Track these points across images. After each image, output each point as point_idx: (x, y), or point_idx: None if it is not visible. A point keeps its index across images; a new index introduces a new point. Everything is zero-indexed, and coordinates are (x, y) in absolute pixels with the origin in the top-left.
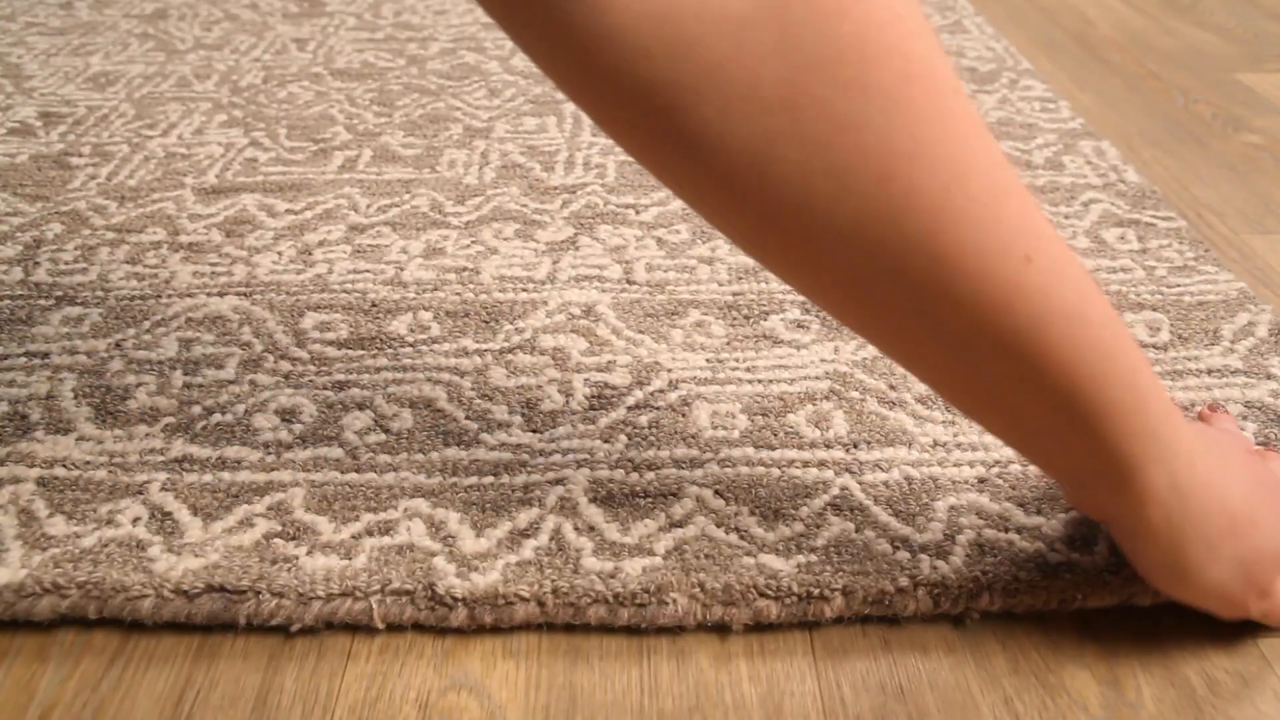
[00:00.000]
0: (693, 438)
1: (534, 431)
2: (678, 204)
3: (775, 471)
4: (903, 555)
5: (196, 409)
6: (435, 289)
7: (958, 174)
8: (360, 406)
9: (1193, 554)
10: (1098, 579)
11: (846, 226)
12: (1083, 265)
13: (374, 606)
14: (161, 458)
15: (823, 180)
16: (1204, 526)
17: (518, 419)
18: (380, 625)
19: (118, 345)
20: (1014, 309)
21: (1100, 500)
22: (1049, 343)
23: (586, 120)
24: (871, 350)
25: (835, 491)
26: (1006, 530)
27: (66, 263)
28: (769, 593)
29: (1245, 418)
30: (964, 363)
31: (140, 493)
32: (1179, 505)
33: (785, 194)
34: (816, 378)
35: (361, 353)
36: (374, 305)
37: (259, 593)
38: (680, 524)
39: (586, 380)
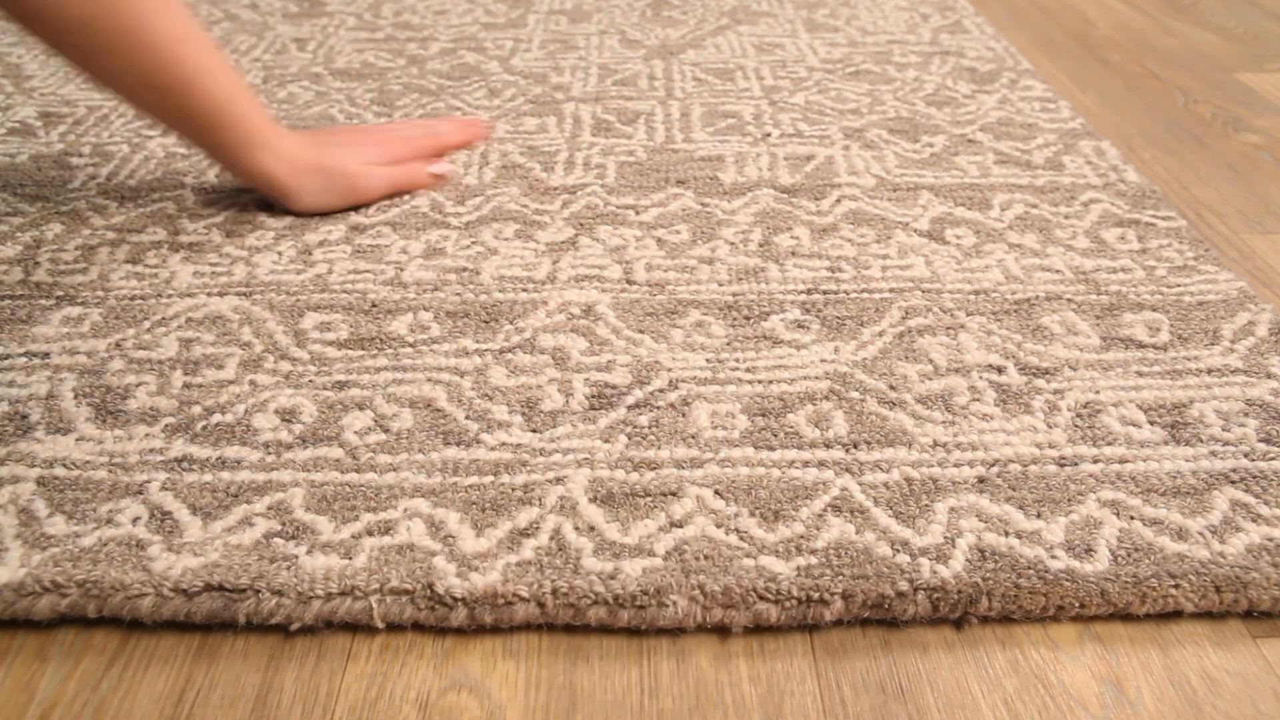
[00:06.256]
0: (693, 438)
1: (534, 431)
2: (678, 204)
3: (775, 472)
4: (903, 559)
5: (196, 409)
6: (435, 289)
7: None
8: (360, 406)
9: (293, 184)
10: (1096, 587)
11: (87, 31)
12: (217, 53)
13: (374, 606)
14: (161, 458)
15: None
16: (294, 170)
17: (518, 419)
18: (380, 625)
19: (118, 345)
20: (181, 65)
21: (243, 170)
22: (201, 85)
23: (586, 120)
24: (872, 350)
25: (835, 492)
26: (1006, 534)
27: (66, 263)
28: (768, 596)
29: (1247, 415)
30: (159, 97)
31: (140, 492)
32: (278, 165)
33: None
34: (816, 378)
35: (361, 353)
36: (374, 305)
37: (258, 591)
38: (680, 524)
39: (586, 380)
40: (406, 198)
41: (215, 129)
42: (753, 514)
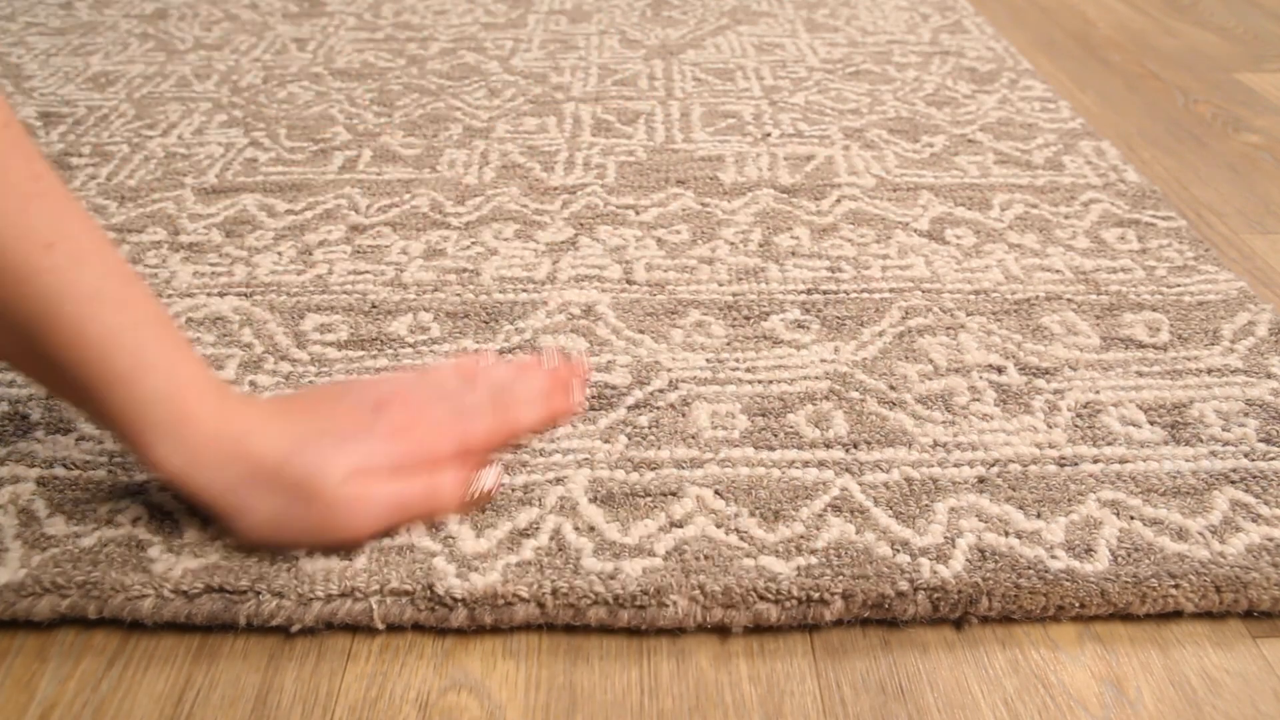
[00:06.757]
0: (693, 438)
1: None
2: (678, 204)
3: (775, 472)
4: (903, 559)
5: None
6: (435, 290)
7: None
8: None
9: (226, 502)
10: (1096, 587)
11: None
12: (116, 254)
13: (374, 607)
14: None
15: None
16: (223, 476)
17: None
18: (380, 625)
19: None
20: (32, 284)
21: (141, 456)
22: (61, 316)
23: (587, 120)
24: (872, 350)
25: (835, 492)
26: (1006, 534)
27: None
28: (769, 596)
29: (1247, 414)
30: (7, 332)
31: (140, 492)
32: (190, 462)
33: None
34: (816, 378)
35: (362, 354)
36: (374, 306)
37: (259, 593)
38: (680, 524)
39: (587, 380)
40: (406, 196)
41: (90, 394)
42: (753, 514)
